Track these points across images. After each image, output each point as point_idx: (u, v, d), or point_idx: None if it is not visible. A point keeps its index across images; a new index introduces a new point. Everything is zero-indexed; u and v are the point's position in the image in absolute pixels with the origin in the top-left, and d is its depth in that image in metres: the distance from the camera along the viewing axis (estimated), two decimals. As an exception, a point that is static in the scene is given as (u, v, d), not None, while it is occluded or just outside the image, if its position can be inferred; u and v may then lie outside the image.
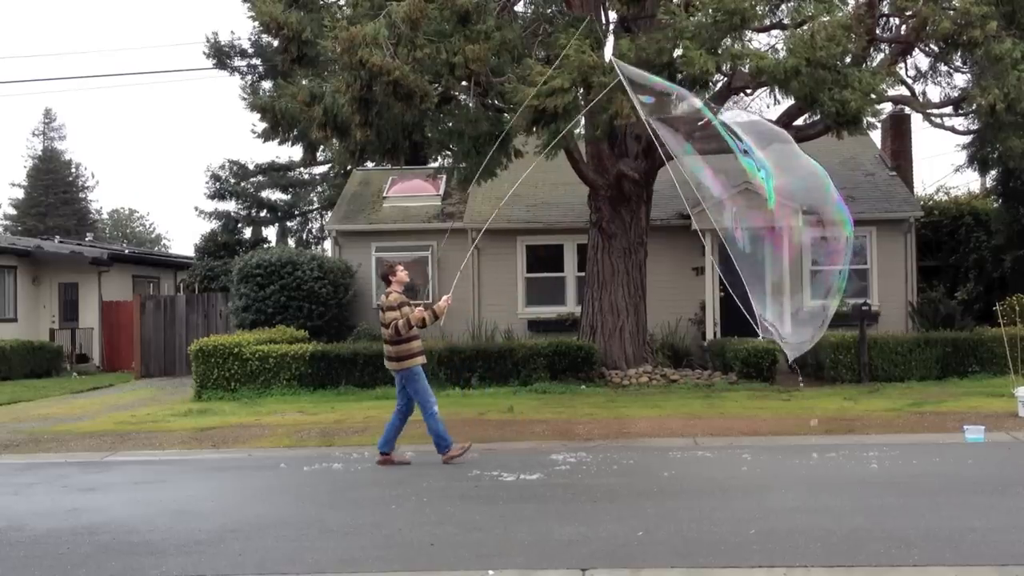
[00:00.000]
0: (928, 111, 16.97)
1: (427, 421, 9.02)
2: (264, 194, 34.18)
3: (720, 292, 18.51)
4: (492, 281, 20.23)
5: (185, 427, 12.26)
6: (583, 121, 14.91)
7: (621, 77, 8.56)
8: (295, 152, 33.92)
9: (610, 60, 10.05)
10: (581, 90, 13.11)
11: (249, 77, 30.74)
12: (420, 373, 9.07)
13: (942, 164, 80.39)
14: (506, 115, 14.38)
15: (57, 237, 31.74)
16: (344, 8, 15.61)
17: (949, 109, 16.93)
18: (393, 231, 21.14)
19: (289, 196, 34.58)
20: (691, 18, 13.37)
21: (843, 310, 18.85)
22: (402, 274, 9.15)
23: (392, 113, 14.12)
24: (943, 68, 17.01)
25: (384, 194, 22.23)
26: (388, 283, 9.14)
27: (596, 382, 15.57)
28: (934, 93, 19.17)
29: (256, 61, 30.36)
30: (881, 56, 15.80)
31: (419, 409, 9.08)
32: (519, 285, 20.27)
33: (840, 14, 13.64)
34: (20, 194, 50.96)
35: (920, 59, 17.70)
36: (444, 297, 9.15)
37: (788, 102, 15.00)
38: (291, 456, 9.98)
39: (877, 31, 15.15)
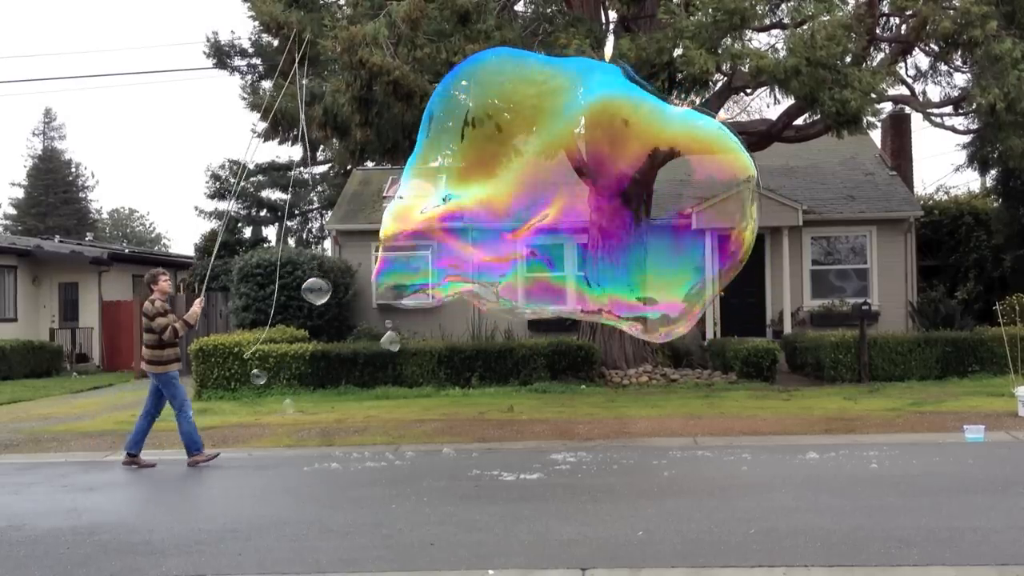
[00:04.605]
0: (928, 111, 16.99)
1: (179, 423, 9.34)
2: (264, 194, 34.17)
3: (720, 292, 18.45)
4: (492, 281, 20.17)
5: (185, 427, 12.24)
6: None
7: None
8: (295, 152, 33.90)
9: None
10: (581, 89, 13.09)
11: (249, 77, 30.69)
12: (176, 377, 9.40)
13: (942, 164, 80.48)
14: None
15: (57, 237, 31.72)
16: (344, 8, 15.62)
17: (949, 109, 16.95)
18: (393, 230, 21.08)
19: (289, 196, 34.55)
20: (691, 17, 13.37)
21: (843, 309, 18.95)
22: (164, 283, 9.49)
23: (392, 113, 14.12)
24: (943, 68, 17.03)
25: (384, 194, 22.20)
26: (151, 291, 9.44)
27: (596, 382, 15.57)
28: (934, 93, 19.18)
29: (256, 61, 30.29)
30: (881, 56, 15.81)
31: (172, 410, 9.41)
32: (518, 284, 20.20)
33: (840, 13, 13.65)
34: (20, 194, 50.94)
35: (920, 59, 17.75)
36: (196, 301, 9.49)
37: (788, 101, 15.02)
38: (291, 456, 9.99)
39: (877, 31, 15.17)
